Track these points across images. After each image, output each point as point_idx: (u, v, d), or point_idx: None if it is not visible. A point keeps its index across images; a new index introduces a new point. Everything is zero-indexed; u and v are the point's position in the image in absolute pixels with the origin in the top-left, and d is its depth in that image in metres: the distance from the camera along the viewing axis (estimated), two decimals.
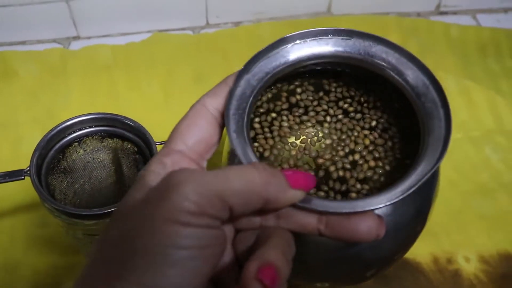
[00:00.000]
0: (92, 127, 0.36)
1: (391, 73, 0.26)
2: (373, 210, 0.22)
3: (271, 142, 0.28)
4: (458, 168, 0.52)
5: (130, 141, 0.37)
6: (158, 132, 0.51)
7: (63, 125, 0.35)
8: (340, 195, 0.26)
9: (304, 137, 0.29)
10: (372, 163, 0.27)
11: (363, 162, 0.27)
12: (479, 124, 0.56)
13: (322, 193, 0.26)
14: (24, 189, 0.44)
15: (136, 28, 0.63)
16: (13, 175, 0.34)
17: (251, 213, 0.21)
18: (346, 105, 0.29)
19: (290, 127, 0.28)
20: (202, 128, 0.23)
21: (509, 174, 0.51)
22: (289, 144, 0.28)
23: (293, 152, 0.28)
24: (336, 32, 0.26)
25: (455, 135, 0.54)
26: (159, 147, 0.36)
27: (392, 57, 0.26)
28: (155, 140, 0.35)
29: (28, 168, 0.33)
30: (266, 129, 0.28)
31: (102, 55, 0.60)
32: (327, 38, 0.26)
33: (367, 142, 0.28)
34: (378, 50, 0.26)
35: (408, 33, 0.64)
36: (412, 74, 0.26)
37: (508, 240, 0.47)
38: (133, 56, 0.60)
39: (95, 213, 0.31)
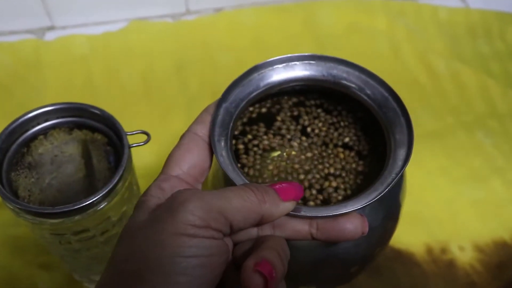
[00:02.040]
0: (58, 118, 0.34)
1: (354, 90, 0.30)
2: (355, 210, 0.25)
3: (251, 159, 0.30)
4: (450, 154, 0.50)
5: (100, 132, 0.34)
6: (136, 123, 0.49)
7: (26, 117, 0.33)
8: (321, 203, 0.29)
9: (286, 151, 0.31)
10: (342, 177, 0.30)
11: (338, 175, 0.30)
12: (471, 108, 0.54)
13: (311, 203, 0.29)
14: None
15: (113, 16, 0.61)
16: None
17: (249, 227, 0.23)
18: (320, 124, 0.31)
19: (269, 144, 0.31)
20: (195, 153, 0.26)
21: (502, 159, 0.50)
22: (270, 158, 0.30)
23: (271, 167, 0.30)
24: (301, 58, 0.30)
25: (446, 120, 0.53)
26: (130, 138, 0.33)
27: (353, 76, 0.30)
28: (126, 130, 0.33)
29: None
30: (251, 149, 0.31)
31: (78, 46, 0.58)
32: (293, 64, 0.30)
33: (341, 156, 0.30)
34: (339, 70, 0.30)
35: (395, 16, 0.62)
36: (372, 89, 0.29)
37: (503, 227, 0.45)
38: (110, 46, 0.58)
39: (59, 211, 0.29)
